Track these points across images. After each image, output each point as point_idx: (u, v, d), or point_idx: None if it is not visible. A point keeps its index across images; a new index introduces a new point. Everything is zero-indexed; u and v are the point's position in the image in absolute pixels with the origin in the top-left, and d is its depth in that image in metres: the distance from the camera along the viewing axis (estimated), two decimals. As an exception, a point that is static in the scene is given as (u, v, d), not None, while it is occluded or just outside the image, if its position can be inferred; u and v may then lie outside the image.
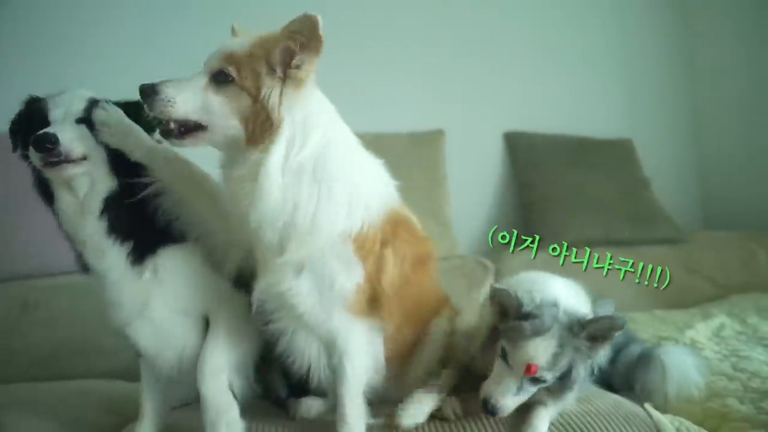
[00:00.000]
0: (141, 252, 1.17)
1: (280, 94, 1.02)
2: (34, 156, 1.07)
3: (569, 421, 1.18)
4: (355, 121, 1.14)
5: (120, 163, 1.15)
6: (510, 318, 1.10)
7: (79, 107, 1.14)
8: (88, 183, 1.13)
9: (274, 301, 1.14)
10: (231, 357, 1.22)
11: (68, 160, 1.08)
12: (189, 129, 1.05)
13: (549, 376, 1.09)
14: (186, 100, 1.02)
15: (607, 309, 1.41)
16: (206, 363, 1.19)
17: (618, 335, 1.35)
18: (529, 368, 1.07)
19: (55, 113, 1.13)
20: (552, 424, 1.17)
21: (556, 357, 1.08)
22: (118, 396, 1.58)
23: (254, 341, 1.25)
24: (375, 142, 2.46)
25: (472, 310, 1.49)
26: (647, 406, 1.27)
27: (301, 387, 1.29)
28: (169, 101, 1.01)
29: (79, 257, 1.19)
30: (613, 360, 1.45)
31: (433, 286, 1.37)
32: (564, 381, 1.12)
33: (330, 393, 1.25)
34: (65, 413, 1.41)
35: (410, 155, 2.53)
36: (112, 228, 1.14)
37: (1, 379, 1.79)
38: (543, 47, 2.98)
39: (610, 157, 2.88)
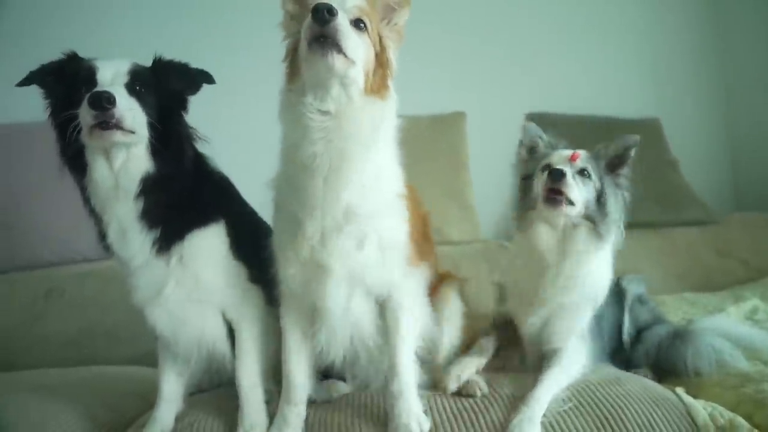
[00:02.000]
0: (169, 239, 1.16)
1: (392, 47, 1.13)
2: (87, 113, 1.03)
3: (598, 403, 1.16)
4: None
5: (161, 147, 1.13)
6: (540, 150, 1.40)
7: (125, 71, 1.12)
8: (125, 158, 1.10)
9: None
10: (264, 365, 1.25)
11: (118, 126, 1.06)
12: None
13: (591, 172, 1.27)
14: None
15: (637, 284, 1.44)
16: (243, 378, 1.22)
17: (645, 313, 1.40)
18: (573, 155, 1.27)
19: (104, 75, 1.10)
20: (581, 404, 1.16)
21: (588, 160, 1.29)
22: (142, 381, 1.59)
23: (278, 340, 1.24)
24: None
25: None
26: (678, 390, 1.25)
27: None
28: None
29: (102, 237, 1.17)
30: (636, 340, 1.47)
31: (432, 246, 1.41)
32: (602, 206, 1.27)
33: (350, 376, 1.30)
34: (89, 398, 1.42)
35: (432, 138, 2.50)
36: (145, 213, 1.13)
37: (26, 364, 1.82)
38: (565, 26, 2.90)
39: (636, 138, 2.80)
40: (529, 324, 1.33)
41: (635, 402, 1.17)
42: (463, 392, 1.24)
